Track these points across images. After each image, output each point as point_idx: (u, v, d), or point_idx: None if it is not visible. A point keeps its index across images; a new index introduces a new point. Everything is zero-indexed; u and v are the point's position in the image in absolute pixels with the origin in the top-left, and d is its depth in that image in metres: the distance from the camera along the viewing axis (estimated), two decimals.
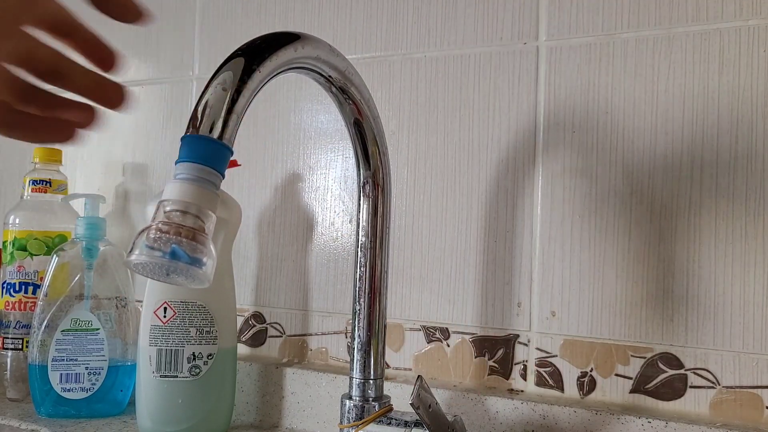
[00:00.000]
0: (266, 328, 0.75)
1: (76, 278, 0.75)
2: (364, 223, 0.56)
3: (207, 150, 0.40)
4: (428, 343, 0.66)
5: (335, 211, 0.72)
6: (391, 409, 0.55)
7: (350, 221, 0.71)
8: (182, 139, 0.40)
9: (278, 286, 0.75)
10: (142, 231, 0.38)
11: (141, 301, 0.67)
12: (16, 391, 0.79)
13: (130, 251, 0.37)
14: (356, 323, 0.56)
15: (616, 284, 0.59)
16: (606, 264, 0.59)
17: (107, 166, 0.90)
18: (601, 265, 0.59)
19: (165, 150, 0.85)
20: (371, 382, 0.56)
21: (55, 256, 0.75)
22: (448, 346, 0.65)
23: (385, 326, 0.57)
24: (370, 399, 0.55)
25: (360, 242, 0.56)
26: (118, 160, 0.89)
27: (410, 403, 0.48)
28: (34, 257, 0.80)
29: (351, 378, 0.56)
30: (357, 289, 0.56)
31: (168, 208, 0.38)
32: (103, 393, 0.73)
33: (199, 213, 0.39)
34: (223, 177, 0.41)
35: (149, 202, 0.68)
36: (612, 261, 0.59)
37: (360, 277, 0.56)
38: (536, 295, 0.62)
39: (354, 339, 0.56)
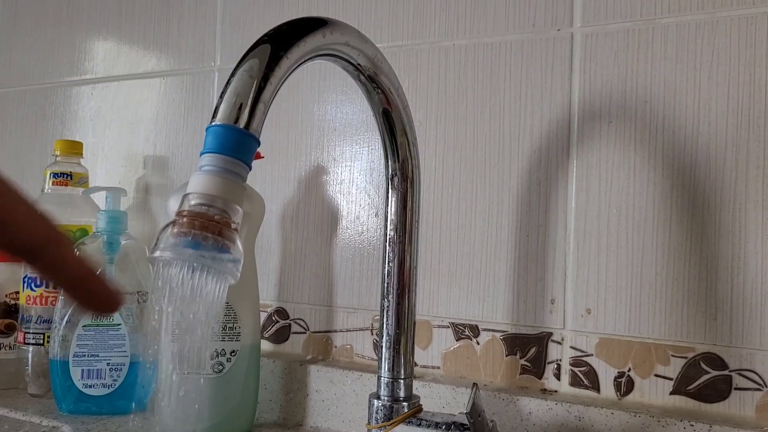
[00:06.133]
0: (290, 324, 0.73)
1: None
2: (393, 217, 0.54)
3: (233, 140, 0.38)
4: (457, 340, 0.64)
5: (360, 205, 0.70)
6: (420, 410, 0.54)
7: (376, 215, 0.69)
8: (207, 128, 0.39)
9: (302, 281, 0.73)
10: (167, 225, 0.36)
11: None
12: (37, 387, 0.78)
13: (154, 246, 0.36)
14: (384, 320, 0.54)
15: (655, 281, 0.56)
16: (645, 260, 0.57)
17: (128, 159, 0.89)
18: (639, 261, 0.57)
19: (186, 142, 0.84)
20: (400, 381, 0.54)
21: (76, 250, 0.74)
22: (478, 343, 0.63)
23: (414, 323, 0.55)
24: (400, 399, 0.53)
25: (388, 237, 0.54)
26: (139, 153, 0.88)
27: (466, 413, 0.46)
28: None
29: (379, 377, 0.54)
30: (385, 284, 0.54)
31: (193, 202, 0.37)
32: (125, 389, 0.72)
33: (225, 206, 0.37)
34: (250, 168, 0.39)
35: (171, 196, 0.67)
36: (651, 257, 0.56)
37: (388, 272, 0.54)
38: (570, 291, 0.59)
39: (382, 336, 0.54)
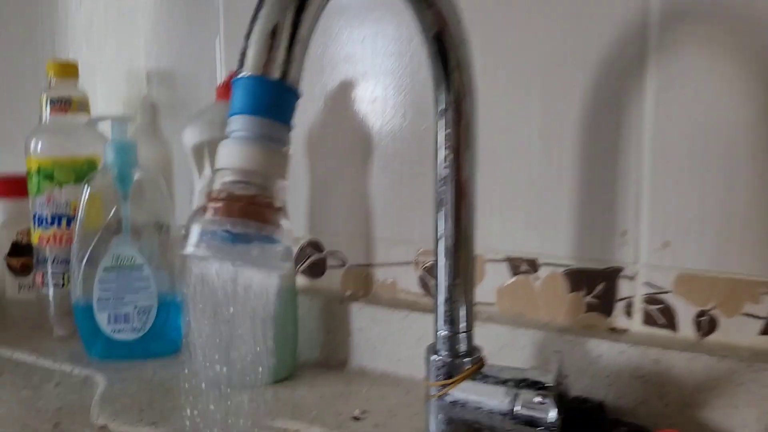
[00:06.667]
0: (325, 258, 0.68)
1: (112, 210, 0.68)
2: (446, 154, 0.47)
3: (269, 96, 0.30)
4: (513, 275, 0.58)
5: (397, 125, 0.63)
6: (483, 364, 0.49)
7: (415, 137, 0.62)
8: (234, 81, 0.31)
9: (336, 211, 0.67)
10: (198, 212, 0.30)
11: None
12: (62, 328, 0.74)
13: (187, 239, 0.29)
14: (438, 268, 0.48)
15: (746, 209, 0.49)
16: (735, 185, 0.49)
17: (129, 76, 0.80)
18: (728, 186, 0.50)
19: (192, 55, 0.75)
20: (460, 335, 0.48)
21: (86, 186, 0.68)
22: (537, 279, 0.57)
23: (473, 270, 0.49)
24: (460, 354, 0.48)
25: (441, 175, 0.47)
26: (141, 69, 0.79)
27: (551, 385, 0.42)
28: (62, 186, 0.73)
29: (436, 331, 0.49)
30: (440, 228, 0.48)
31: (227, 179, 0.30)
32: (156, 332, 0.68)
33: (266, 183, 0.30)
34: (292, 129, 0.32)
35: (186, 127, 0.59)
36: (742, 182, 0.49)
37: (444, 216, 0.47)
38: (646, 222, 0.53)
39: (437, 284, 0.48)
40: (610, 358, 0.52)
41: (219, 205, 0.29)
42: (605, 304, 0.55)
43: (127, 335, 0.67)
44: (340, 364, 0.65)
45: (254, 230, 0.29)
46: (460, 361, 0.48)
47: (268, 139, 0.30)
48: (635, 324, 0.54)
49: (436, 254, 0.48)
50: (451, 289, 0.48)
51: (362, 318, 0.63)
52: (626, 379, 0.51)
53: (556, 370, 0.42)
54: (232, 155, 0.29)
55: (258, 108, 0.30)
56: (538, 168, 0.56)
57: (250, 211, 0.29)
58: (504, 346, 0.56)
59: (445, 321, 0.48)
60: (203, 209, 0.29)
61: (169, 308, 0.69)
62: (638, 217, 0.53)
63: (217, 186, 0.29)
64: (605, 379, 0.52)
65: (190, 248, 0.29)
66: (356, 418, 0.54)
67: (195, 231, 0.29)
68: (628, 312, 0.54)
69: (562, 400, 0.43)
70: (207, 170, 0.58)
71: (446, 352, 0.49)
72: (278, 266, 0.30)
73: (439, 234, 0.47)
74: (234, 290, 0.29)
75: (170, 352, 0.69)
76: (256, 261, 0.29)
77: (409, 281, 0.63)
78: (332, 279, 0.67)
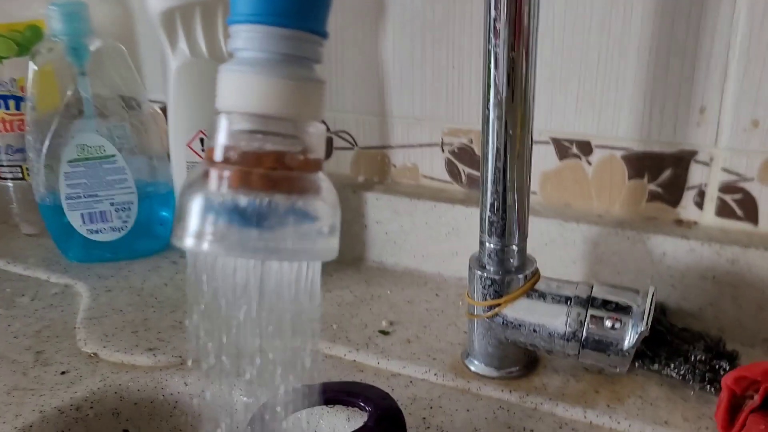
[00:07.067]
0: (331, 138, 0.58)
1: (68, 89, 0.56)
2: (498, 25, 0.36)
3: None
4: (561, 159, 0.49)
5: None
6: (539, 278, 0.41)
7: None
8: None
9: (341, 83, 0.56)
10: (197, 179, 0.20)
11: (161, 103, 0.49)
12: (29, 225, 0.65)
13: (182, 224, 0.19)
14: (488, 163, 0.39)
15: None
16: None
17: None
18: None
19: None
20: (513, 248, 0.40)
21: (32, 62, 0.55)
22: (590, 164, 0.49)
23: (529, 173, 0.40)
24: (512, 270, 0.41)
25: (491, 51, 0.36)
26: None
27: (643, 334, 0.34)
28: (3, 61, 0.60)
29: (482, 243, 0.41)
30: (488, 101, 0.38)
31: (238, 128, 0.19)
32: (139, 229, 0.59)
33: (297, 131, 0.20)
34: (327, 39, 0.21)
35: None
36: None
37: (494, 93, 0.37)
38: (731, 97, 0.43)
39: (485, 186, 0.39)
40: (678, 256, 0.45)
41: (230, 171, 0.19)
42: (672, 192, 0.47)
43: (107, 235, 0.59)
44: (355, 259, 0.57)
45: (286, 206, 0.19)
46: (512, 277, 0.41)
47: (297, 63, 0.19)
48: (707, 216, 0.46)
49: (484, 149, 0.38)
50: (503, 196, 0.39)
51: (380, 209, 0.55)
52: (694, 280, 0.45)
53: (648, 316, 0.35)
54: (245, 92, 0.19)
55: (278, 12, 0.19)
56: (596, 26, 0.45)
57: (277, 178, 0.19)
58: (550, 242, 0.48)
59: (493, 232, 0.40)
60: (204, 175, 0.19)
61: (151, 200, 0.59)
62: (723, 91, 0.43)
63: (223, 139, 0.19)
64: (669, 280, 0.45)
65: (189, 240, 0.19)
66: (384, 332, 0.48)
67: (195, 211, 0.19)
68: (700, 202, 0.46)
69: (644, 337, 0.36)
70: (182, 44, 0.46)
71: (495, 268, 0.41)
72: (322, 251, 0.20)
73: (490, 90, 0.37)
74: (260, 292, 0.20)
75: (158, 249, 0.61)
76: (290, 252, 0.20)
77: (433, 166, 0.54)
78: (341, 163, 0.58)
